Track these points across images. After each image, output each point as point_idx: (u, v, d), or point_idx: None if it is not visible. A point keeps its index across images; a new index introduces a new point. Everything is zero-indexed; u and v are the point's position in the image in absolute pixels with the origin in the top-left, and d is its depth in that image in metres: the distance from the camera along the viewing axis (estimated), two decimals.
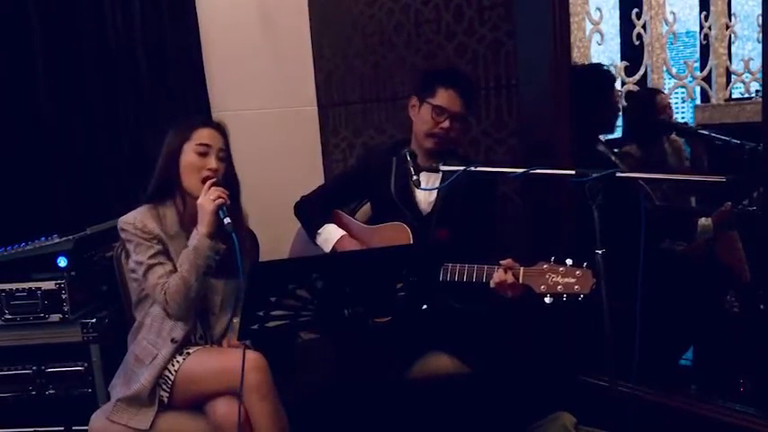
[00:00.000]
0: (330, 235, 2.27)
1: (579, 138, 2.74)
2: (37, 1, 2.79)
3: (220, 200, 1.95)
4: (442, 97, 2.16)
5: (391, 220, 2.22)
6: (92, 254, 2.50)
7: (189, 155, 2.03)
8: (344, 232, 2.28)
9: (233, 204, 2.04)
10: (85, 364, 2.37)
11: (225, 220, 1.93)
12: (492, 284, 1.92)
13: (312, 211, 2.37)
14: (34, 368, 2.39)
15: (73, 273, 2.38)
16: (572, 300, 1.80)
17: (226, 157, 2.08)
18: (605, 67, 3.04)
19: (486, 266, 1.95)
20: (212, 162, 2.02)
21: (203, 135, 2.04)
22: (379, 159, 2.33)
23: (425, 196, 2.25)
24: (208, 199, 1.96)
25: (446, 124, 2.15)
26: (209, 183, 1.99)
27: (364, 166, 2.43)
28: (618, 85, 3.38)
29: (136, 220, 2.04)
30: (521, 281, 1.87)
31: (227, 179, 2.08)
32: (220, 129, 2.10)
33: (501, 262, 1.91)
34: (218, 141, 2.06)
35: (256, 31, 3.22)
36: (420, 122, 2.21)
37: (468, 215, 2.18)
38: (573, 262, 1.81)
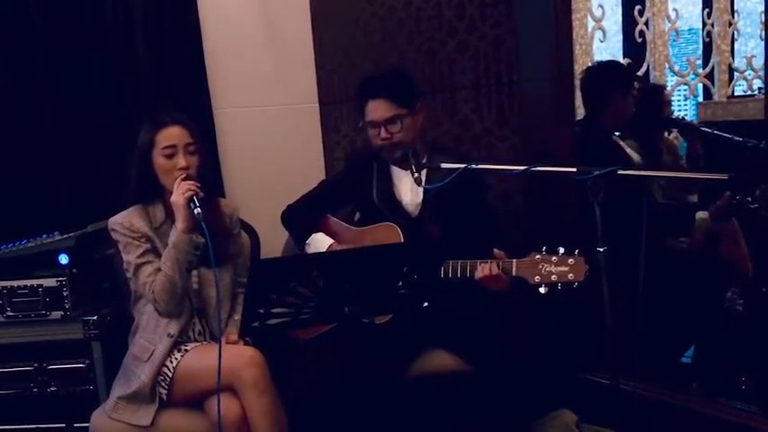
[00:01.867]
0: (319, 244, 2.26)
1: (597, 134, 2.76)
2: (39, 1, 2.78)
3: (190, 192, 1.96)
4: (368, 112, 2.19)
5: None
6: (93, 251, 2.50)
7: (158, 159, 2.05)
8: (333, 240, 2.27)
9: (209, 194, 2.05)
10: (87, 362, 2.36)
11: (195, 210, 1.94)
12: (476, 278, 1.93)
13: (299, 221, 2.36)
14: (35, 365, 2.39)
15: (74, 270, 2.38)
16: (567, 288, 1.80)
17: (196, 149, 2.08)
18: (622, 64, 3.06)
19: (478, 261, 1.95)
20: (181, 161, 2.03)
21: (166, 136, 2.05)
22: (360, 165, 2.34)
23: (412, 198, 2.25)
24: (178, 194, 1.98)
25: (383, 134, 2.16)
26: (179, 179, 2.00)
27: (347, 173, 2.43)
28: None
29: (124, 219, 2.07)
30: (514, 273, 1.88)
31: (201, 170, 2.08)
32: (183, 123, 2.09)
33: (495, 251, 1.92)
34: (183, 137, 2.05)
35: (257, 27, 3.21)
36: (371, 140, 2.24)
37: (462, 211, 2.18)
38: (565, 250, 1.81)
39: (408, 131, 2.17)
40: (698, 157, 3.17)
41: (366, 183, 2.28)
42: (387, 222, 2.20)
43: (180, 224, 1.98)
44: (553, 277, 1.81)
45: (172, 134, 2.05)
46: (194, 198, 1.96)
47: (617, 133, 3.04)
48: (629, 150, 2.90)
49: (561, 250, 1.82)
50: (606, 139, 2.82)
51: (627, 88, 2.87)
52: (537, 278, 1.83)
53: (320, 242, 2.26)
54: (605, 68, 2.99)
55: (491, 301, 2.06)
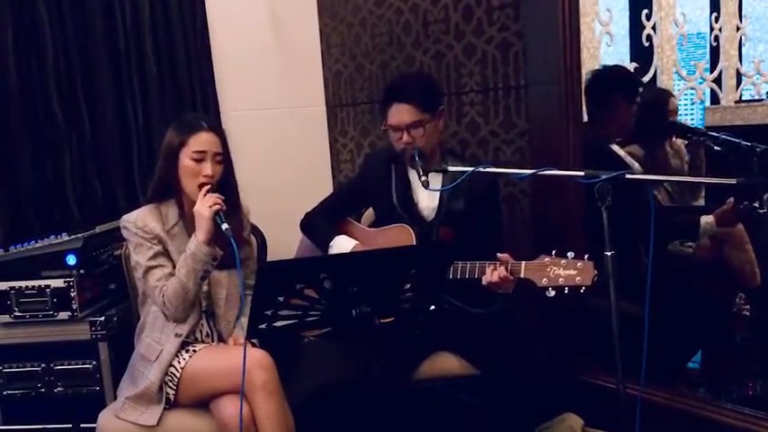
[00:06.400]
0: (342, 247, 2.28)
1: (596, 140, 2.75)
2: (48, 3, 2.80)
3: (217, 206, 1.95)
4: (390, 117, 2.19)
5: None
6: (100, 252, 2.51)
7: (186, 160, 2.03)
8: (356, 242, 2.28)
9: (230, 207, 2.04)
10: (94, 362, 2.38)
11: (222, 225, 1.93)
12: (484, 282, 1.93)
13: (320, 226, 2.38)
14: (43, 365, 2.40)
15: (82, 271, 2.38)
16: (574, 293, 1.79)
17: (223, 160, 2.07)
18: (629, 71, 3.03)
19: (486, 263, 1.95)
20: (208, 168, 2.02)
21: (199, 141, 2.03)
22: (378, 168, 2.35)
23: (428, 202, 2.25)
24: (204, 206, 1.96)
25: (405, 138, 2.16)
26: (204, 189, 1.99)
27: (364, 176, 2.45)
28: None
29: (137, 219, 2.06)
30: (522, 275, 1.88)
31: (225, 182, 2.08)
32: (217, 131, 2.08)
33: (499, 255, 1.92)
34: (214, 146, 2.04)
35: (265, 30, 3.23)
36: (393, 142, 2.24)
37: (473, 215, 2.19)
38: (574, 255, 1.81)
39: (430, 136, 2.18)
40: (700, 162, 3.14)
41: (385, 185, 2.30)
42: (401, 224, 2.21)
43: (201, 235, 1.97)
44: (561, 280, 1.81)
45: (205, 140, 2.03)
46: (221, 213, 1.95)
47: (618, 140, 3.03)
48: (628, 159, 2.87)
49: (571, 254, 1.82)
50: (604, 146, 2.79)
51: (632, 96, 2.83)
52: (545, 281, 1.83)
53: (342, 245, 2.28)
54: (611, 74, 2.95)
55: (498, 304, 2.07)
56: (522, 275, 1.89)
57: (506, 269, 1.90)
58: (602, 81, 2.87)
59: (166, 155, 2.07)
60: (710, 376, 2.76)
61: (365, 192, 2.40)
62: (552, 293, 1.82)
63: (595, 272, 1.76)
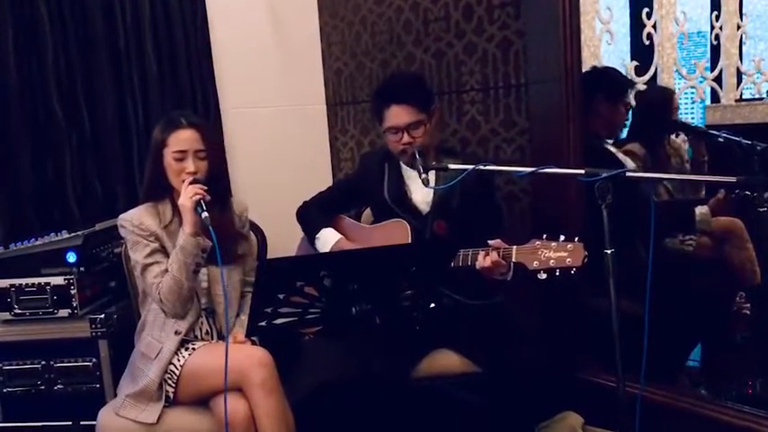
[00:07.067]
0: (327, 239, 2.31)
1: (587, 139, 2.74)
2: (48, 2, 2.79)
3: (197, 196, 1.98)
4: (388, 118, 2.19)
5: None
6: (100, 250, 2.51)
7: (168, 159, 2.06)
8: (341, 236, 2.31)
9: (216, 198, 2.06)
10: (94, 360, 2.38)
11: (203, 214, 1.95)
12: (478, 267, 1.95)
13: (311, 217, 2.41)
14: (43, 363, 2.40)
15: (82, 268, 2.39)
16: (565, 274, 1.79)
17: (206, 155, 2.08)
18: (619, 72, 3.02)
19: (480, 250, 1.97)
20: (190, 166, 2.04)
21: (179, 140, 2.05)
22: (373, 167, 2.37)
23: (423, 197, 2.26)
24: (186, 197, 1.98)
25: (406, 138, 2.17)
26: (186, 182, 2.01)
27: (360, 174, 2.47)
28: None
29: (134, 217, 2.08)
30: (514, 259, 1.90)
31: (211, 174, 2.09)
32: (197, 127, 2.09)
33: (490, 242, 1.94)
34: (195, 143, 2.05)
35: (266, 28, 3.22)
36: (389, 145, 2.25)
37: (467, 209, 2.20)
38: (565, 237, 1.82)
39: (428, 135, 2.20)
40: (703, 160, 3.15)
41: (378, 182, 2.31)
42: (397, 219, 2.22)
43: (187, 227, 1.99)
44: (552, 262, 1.81)
45: (184, 138, 2.05)
46: (201, 202, 1.97)
47: (608, 138, 3.01)
48: (620, 157, 2.86)
49: (562, 237, 1.83)
50: (596, 144, 2.78)
51: (615, 97, 2.79)
52: (536, 263, 1.84)
53: (328, 237, 2.31)
54: (596, 75, 2.91)
55: (497, 300, 2.07)
56: (513, 259, 1.90)
57: (498, 254, 1.91)
58: (586, 81, 2.85)
59: (152, 154, 2.10)
60: (711, 375, 2.76)
61: (359, 190, 2.42)
62: (543, 276, 1.83)
63: (585, 253, 1.77)
